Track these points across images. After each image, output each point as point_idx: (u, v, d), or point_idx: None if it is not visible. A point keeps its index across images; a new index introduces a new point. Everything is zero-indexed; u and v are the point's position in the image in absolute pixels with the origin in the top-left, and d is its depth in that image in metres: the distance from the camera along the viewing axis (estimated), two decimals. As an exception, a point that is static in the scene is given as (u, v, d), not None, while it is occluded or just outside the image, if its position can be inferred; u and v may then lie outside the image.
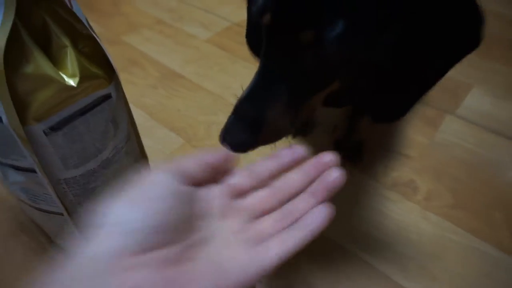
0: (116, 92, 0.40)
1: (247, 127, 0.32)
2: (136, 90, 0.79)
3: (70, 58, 0.34)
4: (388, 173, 0.64)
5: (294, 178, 0.27)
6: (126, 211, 0.21)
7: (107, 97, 0.38)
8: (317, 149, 0.67)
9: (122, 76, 0.85)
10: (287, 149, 0.28)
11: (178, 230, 0.22)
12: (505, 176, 0.64)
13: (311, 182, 0.27)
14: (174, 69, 0.85)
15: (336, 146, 0.66)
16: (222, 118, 0.73)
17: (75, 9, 0.35)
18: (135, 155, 0.47)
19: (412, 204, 0.59)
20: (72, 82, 0.34)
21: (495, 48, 0.94)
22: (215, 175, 0.27)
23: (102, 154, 0.40)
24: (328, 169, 0.26)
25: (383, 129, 0.72)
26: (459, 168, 0.65)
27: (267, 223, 0.25)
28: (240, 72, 0.84)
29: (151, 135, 0.69)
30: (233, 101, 0.75)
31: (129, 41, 0.92)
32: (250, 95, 0.33)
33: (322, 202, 0.26)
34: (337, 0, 0.28)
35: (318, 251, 0.52)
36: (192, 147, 0.67)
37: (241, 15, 1.02)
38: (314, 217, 0.25)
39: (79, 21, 0.34)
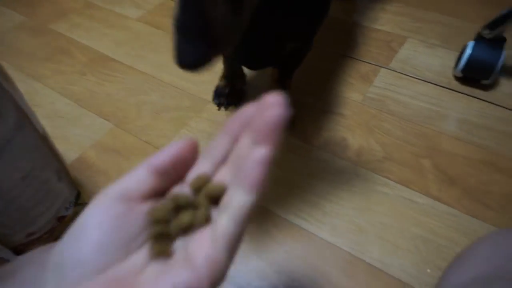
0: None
1: (197, 37, 0.27)
2: (64, 78, 0.75)
3: None
4: (321, 134, 0.63)
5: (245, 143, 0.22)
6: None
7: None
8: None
9: (49, 66, 0.82)
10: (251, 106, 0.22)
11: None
12: (437, 125, 0.64)
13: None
14: (105, 53, 0.81)
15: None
16: (154, 97, 0.71)
17: None
18: (35, 143, 0.45)
19: (344, 162, 0.59)
20: None
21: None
22: (179, 172, 0.23)
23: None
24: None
25: (317, 91, 0.71)
26: (392, 121, 0.65)
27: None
28: (174, 48, 0.81)
29: (79, 124, 0.67)
30: (167, 79, 0.73)
31: (57, 29, 0.88)
32: (183, 4, 0.28)
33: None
34: None
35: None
36: (121, 130, 0.65)
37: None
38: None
39: None
